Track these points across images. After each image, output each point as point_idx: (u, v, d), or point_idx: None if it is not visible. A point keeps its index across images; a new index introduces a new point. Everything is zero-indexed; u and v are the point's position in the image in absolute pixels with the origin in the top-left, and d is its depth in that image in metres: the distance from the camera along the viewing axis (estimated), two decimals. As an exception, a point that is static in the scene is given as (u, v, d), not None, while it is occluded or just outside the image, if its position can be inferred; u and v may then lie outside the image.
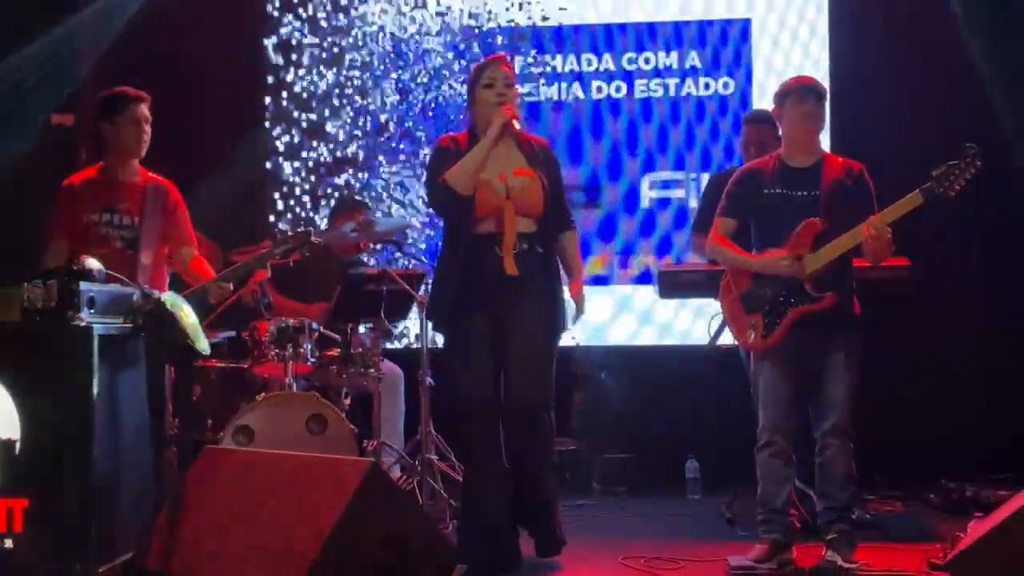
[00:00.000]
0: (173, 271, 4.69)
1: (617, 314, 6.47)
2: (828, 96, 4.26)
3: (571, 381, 6.01)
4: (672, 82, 6.47)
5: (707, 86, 6.45)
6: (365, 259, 5.91)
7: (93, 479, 3.40)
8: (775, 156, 4.19)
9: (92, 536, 3.38)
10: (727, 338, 4.43)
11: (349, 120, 6.55)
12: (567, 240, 4.27)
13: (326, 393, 4.93)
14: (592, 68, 6.53)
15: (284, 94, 6.62)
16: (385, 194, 6.52)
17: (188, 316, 3.79)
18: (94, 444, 3.39)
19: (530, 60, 6.48)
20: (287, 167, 6.60)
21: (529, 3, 6.50)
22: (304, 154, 6.60)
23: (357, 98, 6.53)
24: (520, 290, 4.03)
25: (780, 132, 4.29)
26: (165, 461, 4.26)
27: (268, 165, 6.60)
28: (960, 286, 5.96)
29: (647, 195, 6.47)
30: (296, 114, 6.60)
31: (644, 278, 6.41)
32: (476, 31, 6.48)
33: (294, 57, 6.61)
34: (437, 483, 5.02)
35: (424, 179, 4.18)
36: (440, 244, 4.18)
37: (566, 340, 4.63)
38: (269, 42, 6.63)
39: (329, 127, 6.58)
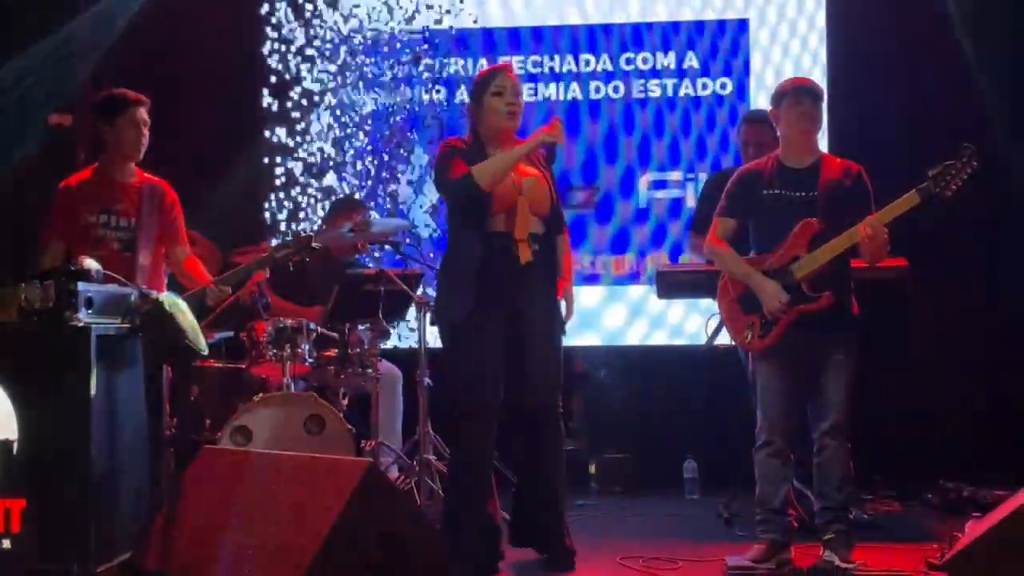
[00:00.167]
0: (168, 271, 4.69)
1: (608, 311, 6.48)
2: (825, 96, 4.26)
3: (569, 381, 6.01)
4: (670, 82, 6.47)
5: (704, 86, 6.45)
6: (367, 262, 5.92)
7: (91, 479, 3.40)
8: (773, 157, 4.19)
9: (90, 536, 3.39)
10: (725, 338, 4.43)
11: (341, 122, 6.56)
12: (559, 242, 4.29)
13: (324, 393, 4.93)
14: (589, 68, 6.53)
15: (282, 94, 6.62)
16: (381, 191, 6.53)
17: (186, 316, 3.80)
18: (92, 444, 3.40)
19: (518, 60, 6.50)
20: (285, 168, 6.59)
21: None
22: (302, 154, 6.59)
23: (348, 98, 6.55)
24: (533, 288, 4.05)
25: (778, 133, 4.30)
26: (163, 461, 4.28)
27: (266, 165, 6.59)
28: (957, 286, 5.95)
29: (644, 195, 6.47)
30: (294, 115, 6.60)
31: (635, 277, 6.42)
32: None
33: (292, 57, 6.60)
34: (435, 483, 5.02)
35: (436, 178, 4.15)
36: (448, 243, 4.15)
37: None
38: (267, 42, 6.62)
39: (326, 127, 6.58)
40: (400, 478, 5.14)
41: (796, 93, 4.11)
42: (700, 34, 6.47)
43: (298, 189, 6.57)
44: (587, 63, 6.53)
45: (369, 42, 6.54)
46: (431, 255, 6.07)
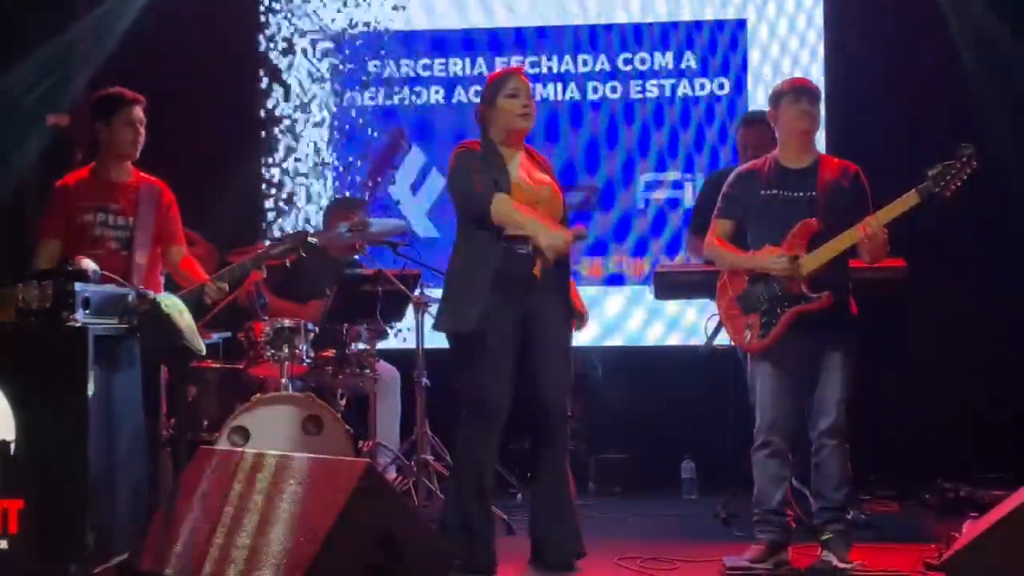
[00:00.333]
0: (164, 270, 4.69)
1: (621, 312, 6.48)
2: (823, 96, 4.26)
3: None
4: (668, 83, 6.47)
5: (702, 86, 6.45)
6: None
7: (88, 480, 3.40)
8: (771, 157, 4.19)
9: (87, 537, 3.38)
10: (724, 338, 4.42)
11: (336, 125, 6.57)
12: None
13: (322, 394, 4.92)
14: (587, 69, 6.52)
15: (281, 94, 6.61)
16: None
17: (183, 316, 3.79)
18: (89, 445, 3.40)
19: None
20: (283, 168, 6.59)
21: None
22: (301, 154, 6.59)
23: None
24: (546, 293, 4.04)
25: (776, 134, 4.29)
26: (160, 462, 4.27)
27: (264, 165, 6.59)
28: (955, 287, 5.96)
29: (641, 195, 6.47)
30: (294, 114, 6.60)
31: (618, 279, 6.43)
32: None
33: (291, 56, 6.60)
34: (433, 484, 5.02)
35: (450, 182, 4.13)
36: (459, 246, 4.12)
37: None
38: (265, 43, 6.62)
39: (325, 127, 6.58)
40: (398, 479, 5.13)
41: (794, 93, 4.11)
42: (698, 33, 6.47)
43: (297, 190, 6.57)
44: (585, 63, 6.53)
45: (363, 42, 6.55)
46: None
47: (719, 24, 6.46)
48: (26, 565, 3.38)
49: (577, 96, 6.51)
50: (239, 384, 4.92)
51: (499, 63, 6.43)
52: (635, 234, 6.46)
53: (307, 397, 4.71)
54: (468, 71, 6.53)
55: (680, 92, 6.45)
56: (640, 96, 6.47)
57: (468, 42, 6.57)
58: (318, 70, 6.58)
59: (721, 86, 6.45)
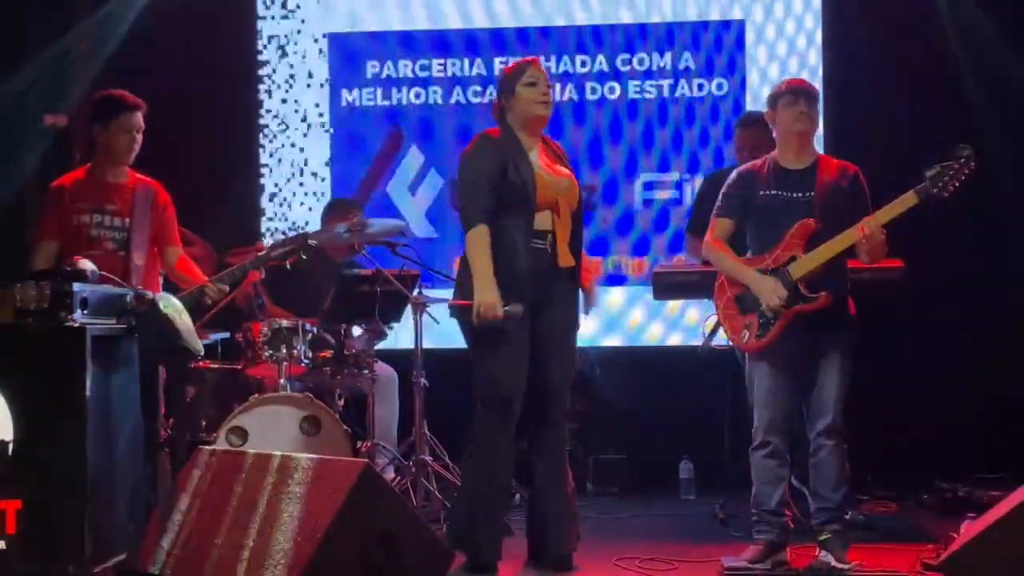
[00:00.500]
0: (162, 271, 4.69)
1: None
2: (820, 97, 4.26)
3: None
4: (666, 83, 6.47)
5: (700, 87, 6.45)
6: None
7: (86, 480, 3.39)
8: (770, 158, 4.19)
9: (85, 537, 3.38)
10: (722, 338, 4.42)
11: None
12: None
13: (320, 394, 4.92)
14: (585, 69, 6.52)
15: (280, 94, 6.61)
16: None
17: (182, 317, 3.79)
18: (87, 445, 3.39)
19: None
20: (282, 168, 6.59)
21: None
22: (300, 155, 6.59)
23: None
24: (562, 284, 4.09)
25: (774, 135, 4.29)
26: (159, 462, 4.27)
27: (263, 166, 6.59)
28: (954, 287, 5.96)
29: (641, 195, 6.46)
30: (293, 115, 6.60)
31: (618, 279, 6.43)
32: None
33: (290, 56, 6.60)
34: (431, 484, 5.01)
35: (461, 171, 4.13)
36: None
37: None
38: (263, 42, 6.62)
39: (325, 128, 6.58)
40: (396, 479, 5.13)
41: (792, 94, 4.11)
42: (697, 34, 6.46)
43: (295, 190, 6.57)
44: (583, 64, 6.53)
45: (363, 42, 6.55)
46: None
47: (717, 24, 6.45)
48: (24, 566, 3.37)
49: (576, 96, 6.51)
50: (237, 384, 4.91)
51: (499, 63, 6.42)
52: (635, 233, 6.46)
53: (305, 397, 4.71)
54: (468, 71, 6.53)
55: (679, 92, 6.45)
56: (639, 96, 6.47)
57: (468, 42, 6.57)
58: (318, 70, 6.58)
59: (720, 87, 6.44)
